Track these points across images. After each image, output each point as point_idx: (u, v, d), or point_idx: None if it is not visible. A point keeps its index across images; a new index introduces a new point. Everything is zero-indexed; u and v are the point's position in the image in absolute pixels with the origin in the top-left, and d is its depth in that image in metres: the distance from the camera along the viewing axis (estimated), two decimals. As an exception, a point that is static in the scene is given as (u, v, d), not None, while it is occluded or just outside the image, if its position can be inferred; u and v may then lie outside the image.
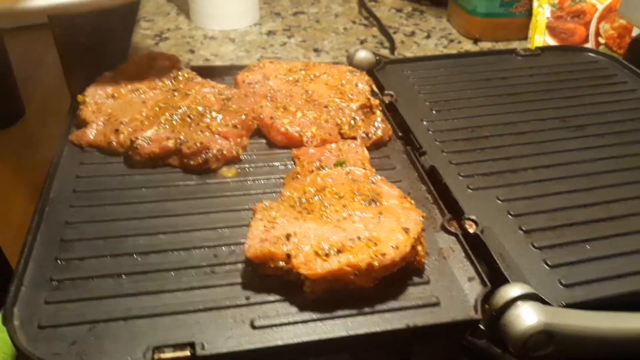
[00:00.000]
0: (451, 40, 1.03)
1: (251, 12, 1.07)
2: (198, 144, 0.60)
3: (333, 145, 0.64)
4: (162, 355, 0.41)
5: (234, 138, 0.63)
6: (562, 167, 0.62)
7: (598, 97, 0.74)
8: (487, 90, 0.75)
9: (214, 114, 0.64)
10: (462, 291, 0.48)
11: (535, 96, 0.74)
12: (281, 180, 0.60)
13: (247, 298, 0.46)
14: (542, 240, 0.52)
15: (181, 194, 0.57)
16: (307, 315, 0.45)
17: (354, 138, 0.65)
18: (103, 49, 0.90)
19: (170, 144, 0.60)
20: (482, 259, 0.51)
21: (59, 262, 0.49)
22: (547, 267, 0.50)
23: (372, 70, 0.78)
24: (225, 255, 0.50)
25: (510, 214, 0.55)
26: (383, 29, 1.05)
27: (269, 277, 0.48)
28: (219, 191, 0.58)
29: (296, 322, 0.45)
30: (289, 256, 0.46)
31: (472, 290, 0.48)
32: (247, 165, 0.62)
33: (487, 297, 0.46)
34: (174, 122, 0.63)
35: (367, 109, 0.68)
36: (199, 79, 0.71)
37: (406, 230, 0.48)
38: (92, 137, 0.63)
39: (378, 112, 0.68)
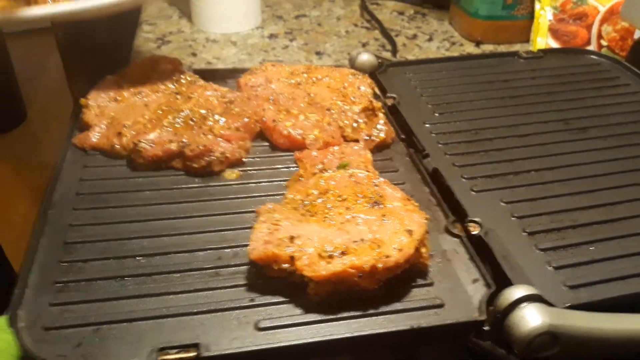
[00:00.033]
0: (453, 43, 1.04)
1: (253, 15, 1.08)
2: (201, 147, 0.60)
3: (336, 147, 0.64)
4: (167, 357, 0.42)
5: (236, 141, 0.63)
6: (565, 169, 0.62)
7: (601, 99, 0.74)
8: (489, 92, 0.75)
9: (216, 117, 0.64)
10: (466, 293, 0.48)
11: (537, 99, 0.74)
12: (284, 183, 0.60)
13: (251, 300, 0.47)
14: (546, 242, 0.52)
15: (184, 196, 0.58)
16: (311, 317, 0.45)
17: (357, 141, 0.65)
18: (105, 52, 0.90)
19: (173, 146, 0.60)
20: (486, 261, 0.51)
21: (63, 265, 0.49)
22: (551, 269, 0.50)
23: (375, 73, 0.78)
24: (229, 257, 0.50)
25: (514, 216, 0.55)
26: (385, 32, 1.05)
27: (273, 279, 0.48)
28: (222, 194, 0.58)
29: (300, 324, 0.45)
30: (292, 258, 0.46)
31: (476, 292, 0.48)
32: (250, 168, 0.62)
33: (491, 299, 0.46)
34: (177, 125, 0.63)
35: (369, 112, 0.68)
36: (202, 82, 0.71)
37: (410, 233, 0.48)
38: (95, 140, 0.63)
39: (380, 115, 0.68)
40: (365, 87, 0.71)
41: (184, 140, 0.60)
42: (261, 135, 0.66)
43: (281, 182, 0.60)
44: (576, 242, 0.52)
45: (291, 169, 0.62)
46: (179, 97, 0.68)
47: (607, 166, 0.62)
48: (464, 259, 0.51)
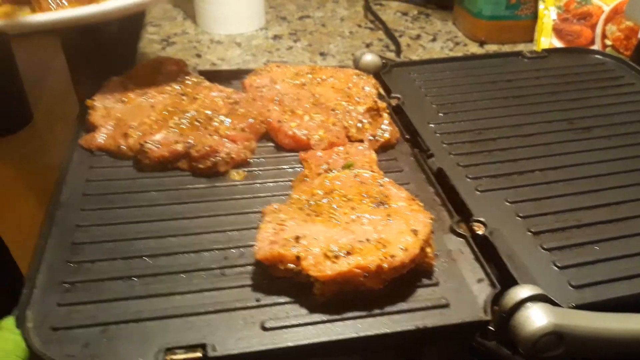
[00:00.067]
0: (457, 43, 1.04)
1: (257, 16, 1.08)
2: (207, 148, 0.60)
3: (341, 148, 0.64)
4: (174, 357, 0.42)
5: (242, 141, 0.63)
6: (569, 168, 0.62)
7: (605, 98, 0.74)
8: (493, 92, 0.75)
9: (222, 117, 0.65)
10: (471, 293, 0.48)
11: (542, 98, 0.74)
12: (289, 183, 0.60)
13: (257, 300, 0.47)
14: (551, 241, 0.52)
15: (190, 196, 0.58)
16: (317, 317, 0.46)
17: (362, 141, 0.65)
18: (110, 54, 0.91)
19: (179, 147, 0.61)
20: (491, 260, 0.51)
21: (71, 265, 0.49)
22: (556, 269, 0.50)
23: (379, 73, 0.78)
24: (235, 257, 0.51)
25: (519, 216, 0.55)
26: (389, 33, 1.06)
27: (279, 279, 0.48)
28: (227, 194, 0.58)
29: (306, 324, 0.45)
30: (298, 258, 0.47)
31: (482, 291, 0.48)
32: (255, 169, 0.62)
33: (496, 299, 0.47)
34: (183, 126, 0.63)
35: (374, 112, 0.68)
36: (207, 83, 0.72)
37: (415, 232, 0.49)
38: (101, 141, 0.63)
39: (385, 115, 0.68)
40: (369, 87, 0.71)
41: (190, 141, 0.61)
42: (266, 135, 0.67)
43: (286, 183, 0.60)
44: (581, 241, 0.52)
45: (296, 169, 0.62)
46: (184, 98, 0.68)
47: (612, 166, 0.62)
48: (469, 259, 0.51)
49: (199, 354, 0.42)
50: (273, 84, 0.72)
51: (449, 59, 0.86)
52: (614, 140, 0.67)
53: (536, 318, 0.43)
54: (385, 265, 0.46)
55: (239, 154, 0.62)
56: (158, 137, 0.61)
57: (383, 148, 0.66)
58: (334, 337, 0.44)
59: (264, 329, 0.45)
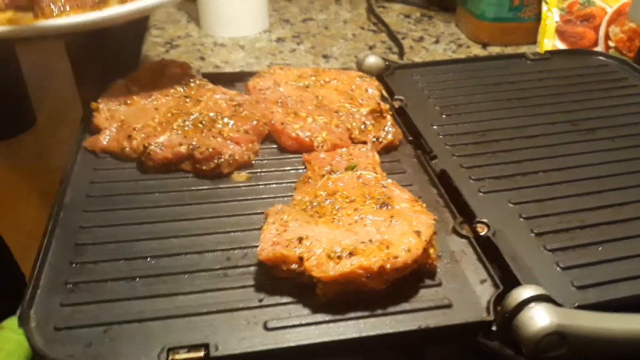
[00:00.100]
0: (460, 45, 1.04)
1: (261, 19, 1.08)
2: (210, 150, 0.60)
3: (344, 149, 0.64)
4: (177, 357, 0.42)
5: (245, 143, 0.63)
6: (572, 170, 0.62)
7: (608, 100, 0.74)
8: (496, 94, 0.75)
9: (225, 119, 0.65)
10: (474, 293, 0.48)
11: (545, 100, 0.74)
12: (292, 184, 0.60)
13: (260, 300, 0.47)
14: (554, 242, 0.52)
15: (194, 198, 0.58)
16: (319, 317, 0.46)
17: (365, 143, 0.65)
18: (114, 57, 0.91)
19: (183, 149, 0.61)
20: (494, 261, 0.51)
21: (74, 266, 0.50)
22: (559, 269, 0.50)
23: (382, 75, 0.78)
24: (237, 258, 0.51)
25: (522, 217, 0.55)
26: (392, 35, 1.06)
27: (282, 280, 0.48)
28: (231, 195, 0.58)
29: (309, 324, 0.45)
30: (301, 259, 0.47)
31: (484, 292, 0.48)
32: (258, 170, 0.62)
33: (499, 299, 0.46)
34: (186, 128, 0.63)
35: (377, 114, 0.68)
36: (211, 85, 0.72)
37: (418, 233, 0.48)
38: (105, 143, 0.64)
39: (388, 117, 0.68)
40: (372, 89, 0.72)
41: (194, 143, 0.61)
42: (270, 137, 0.67)
43: (289, 184, 0.60)
44: (584, 242, 0.52)
45: (299, 170, 0.62)
46: (188, 100, 0.68)
47: (615, 167, 0.62)
48: (472, 260, 0.51)
49: (201, 354, 0.42)
50: (276, 86, 0.72)
51: (451, 61, 0.87)
52: (618, 141, 0.66)
53: (539, 318, 0.43)
54: (388, 266, 0.46)
55: (242, 156, 0.62)
56: (162, 139, 0.62)
57: (386, 150, 0.66)
58: (336, 337, 0.44)
59: (267, 329, 0.45)
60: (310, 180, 0.59)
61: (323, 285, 0.46)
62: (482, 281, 0.49)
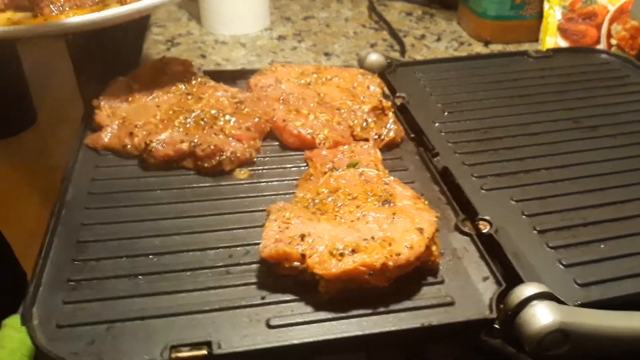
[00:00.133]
0: (461, 43, 1.04)
1: (262, 17, 1.08)
2: (212, 147, 0.60)
3: (345, 147, 0.64)
4: (179, 354, 0.42)
5: (247, 141, 0.63)
6: (575, 167, 0.62)
7: (611, 98, 0.74)
8: (499, 92, 0.75)
9: (227, 117, 0.65)
10: (476, 291, 0.48)
11: (547, 97, 0.74)
12: (294, 181, 0.60)
13: (263, 298, 0.47)
14: (557, 240, 0.52)
15: (195, 195, 0.58)
16: (322, 315, 0.46)
17: (367, 140, 0.65)
18: (115, 55, 0.91)
19: (185, 146, 0.61)
20: (496, 259, 0.51)
21: (76, 263, 0.50)
22: (561, 267, 0.50)
23: (384, 72, 0.78)
24: (240, 255, 0.51)
25: (524, 214, 0.55)
26: (393, 33, 1.06)
27: (284, 277, 0.48)
28: (232, 193, 0.58)
29: (311, 322, 0.45)
30: (303, 256, 0.47)
31: (487, 289, 0.48)
32: (260, 167, 0.62)
33: (501, 297, 0.46)
34: (188, 125, 0.63)
35: (379, 111, 0.68)
36: (212, 83, 0.72)
37: (420, 231, 0.48)
38: (107, 141, 0.64)
39: (390, 114, 0.68)
40: (374, 86, 0.71)
41: (195, 140, 0.61)
42: (271, 135, 0.67)
43: (291, 181, 0.60)
44: (587, 240, 0.52)
45: (301, 168, 0.62)
46: (189, 97, 0.68)
47: (617, 164, 0.62)
48: (474, 257, 0.51)
49: (204, 352, 0.42)
50: (278, 84, 0.72)
51: (453, 59, 0.86)
52: (620, 139, 0.66)
53: (542, 316, 0.43)
54: (390, 263, 0.46)
55: (244, 153, 0.62)
56: (163, 136, 0.62)
57: (388, 147, 0.66)
58: (339, 335, 0.44)
59: (269, 326, 0.45)
60: (312, 178, 0.59)
61: (325, 282, 0.46)
62: (485, 278, 0.49)
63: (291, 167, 0.62)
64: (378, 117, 0.67)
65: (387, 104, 0.69)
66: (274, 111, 0.67)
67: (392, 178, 0.56)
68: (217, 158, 0.60)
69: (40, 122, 2.17)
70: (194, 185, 0.59)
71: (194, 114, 0.65)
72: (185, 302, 0.46)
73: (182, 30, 1.08)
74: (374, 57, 0.79)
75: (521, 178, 0.60)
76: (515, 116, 0.70)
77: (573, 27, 0.95)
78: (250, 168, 0.62)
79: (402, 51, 1.00)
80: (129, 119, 0.65)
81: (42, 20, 0.61)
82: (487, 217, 0.54)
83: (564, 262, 0.50)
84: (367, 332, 0.44)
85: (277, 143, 0.66)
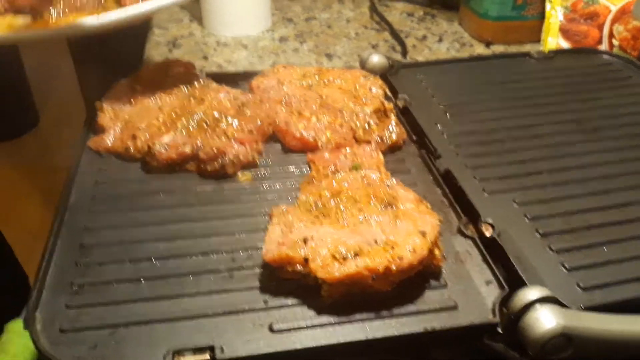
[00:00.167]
0: (463, 44, 1.03)
1: (263, 18, 1.08)
2: (215, 150, 0.60)
3: (348, 149, 0.64)
4: (182, 359, 0.42)
5: (249, 143, 0.63)
6: (577, 170, 0.62)
7: (613, 99, 0.74)
8: (501, 93, 0.75)
9: (229, 119, 0.65)
10: (479, 294, 0.48)
11: (549, 99, 0.74)
12: (297, 184, 0.60)
13: (265, 302, 0.47)
14: (560, 243, 0.52)
15: (198, 199, 0.58)
16: (325, 319, 0.46)
17: (369, 142, 0.65)
18: (117, 57, 0.91)
19: (187, 149, 0.61)
20: (499, 262, 0.51)
21: (79, 267, 0.50)
22: (564, 270, 0.50)
23: (386, 74, 0.78)
24: (242, 259, 0.51)
25: (527, 218, 0.55)
26: (395, 34, 1.06)
27: (287, 281, 0.48)
28: (235, 196, 0.58)
29: (314, 326, 0.45)
30: (306, 260, 0.47)
31: (490, 293, 0.48)
32: (263, 170, 0.62)
33: (504, 301, 0.46)
34: (191, 128, 0.63)
35: (381, 113, 0.68)
36: (214, 85, 0.72)
37: (423, 234, 0.48)
38: (109, 143, 0.64)
39: (392, 116, 0.68)
40: (376, 88, 0.71)
41: (198, 142, 0.61)
42: (274, 137, 0.67)
43: (294, 184, 0.60)
44: (590, 243, 0.52)
45: (304, 170, 0.62)
46: (192, 100, 0.68)
47: (620, 167, 0.62)
48: (477, 261, 0.51)
49: (207, 356, 0.42)
50: (280, 86, 0.72)
51: (455, 60, 0.86)
52: (623, 141, 0.66)
53: (545, 320, 0.43)
54: (393, 267, 0.46)
55: (246, 156, 0.62)
56: (166, 139, 0.62)
57: (390, 149, 0.65)
58: (342, 340, 0.44)
59: (272, 331, 0.45)
60: (314, 180, 0.59)
61: (328, 286, 0.46)
62: (488, 282, 0.49)
63: (293, 170, 0.62)
64: (380, 119, 0.67)
65: (389, 105, 0.69)
66: (276, 114, 0.67)
67: (394, 181, 0.56)
68: (220, 161, 0.60)
69: (43, 124, 2.18)
70: (197, 189, 0.59)
71: (196, 117, 0.64)
72: (188, 306, 0.46)
73: (184, 32, 1.08)
74: (376, 59, 0.79)
75: (524, 181, 0.60)
76: (518, 118, 0.70)
77: (575, 28, 0.95)
78: (252, 171, 0.62)
79: (404, 52, 0.99)
80: (132, 121, 0.65)
81: (42, 25, 0.61)
82: (489, 220, 0.54)
83: (567, 266, 0.50)
84: (370, 336, 0.44)
85: (279, 145, 0.66)
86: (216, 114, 0.65)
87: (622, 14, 0.91)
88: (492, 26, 1.01)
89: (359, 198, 0.53)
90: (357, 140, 0.65)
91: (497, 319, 0.46)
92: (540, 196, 0.58)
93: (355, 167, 0.60)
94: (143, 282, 0.48)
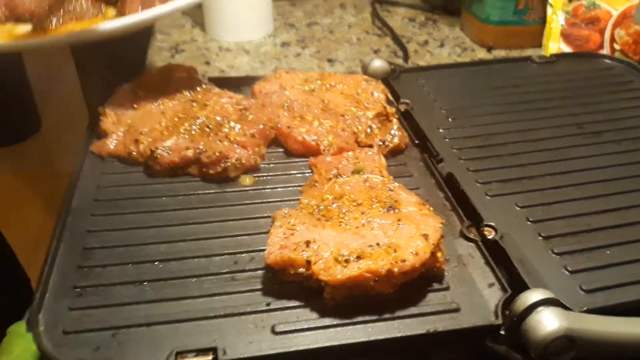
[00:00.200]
0: (465, 49, 1.04)
1: (265, 23, 1.08)
2: (217, 153, 0.60)
3: (350, 153, 0.64)
4: (185, 361, 0.42)
5: (252, 147, 0.63)
6: (579, 173, 0.62)
7: (614, 103, 0.74)
8: (503, 97, 0.75)
9: (232, 123, 0.65)
10: (482, 297, 0.48)
11: (551, 103, 0.74)
12: (299, 188, 0.60)
13: (268, 304, 0.47)
14: (562, 246, 0.52)
15: (201, 202, 0.58)
16: (327, 321, 0.46)
17: (371, 146, 0.65)
18: (120, 62, 0.91)
19: (190, 153, 0.61)
20: (501, 265, 0.51)
21: (82, 270, 0.50)
22: (567, 273, 0.50)
23: (387, 79, 0.78)
24: (245, 262, 0.51)
25: (529, 220, 0.55)
26: (396, 39, 1.06)
27: (289, 284, 0.48)
28: (238, 199, 0.59)
29: (316, 328, 0.45)
30: (308, 262, 0.47)
31: (492, 296, 0.48)
32: (265, 174, 0.62)
33: (507, 303, 0.46)
34: (193, 132, 0.64)
35: (383, 117, 0.68)
36: (217, 89, 0.72)
37: (425, 237, 0.48)
38: (112, 148, 0.64)
39: (394, 120, 0.68)
40: (378, 93, 0.72)
41: (200, 146, 0.61)
42: (276, 141, 0.67)
43: (296, 188, 0.60)
44: (592, 246, 0.52)
45: (306, 174, 0.62)
46: (194, 104, 0.68)
47: (622, 170, 0.62)
48: (479, 263, 0.51)
49: (209, 358, 0.42)
50: (282, 90, 0.72)
51: (457, 65, 0.87)
52: (624, 144, 0.66)
53: (548, 322, 0.43)
54: (395, 269, 0.46)
55: (249, 160, 0.62)
56: (169, 143, 0.62)
57: (392, 153, 0.66)
58: (344, 341, 0.44)
59: (275, 332, 0.45)
60: (316, 184, 0.59)
61: (331, 289, 0.46)
62: (490, 285, 0.49)
63: (296, 174, 0.63)
64: (382, 124, 0.68)
65: (391, 110, 0.69)
66: (278, 118, 0.67)
67: (396, 184, 0.56)
68: (222, 165, 0.60)
69: (45, 129, 2.18)
70: (199, 192, 0.59)
71: (199, 121, 0.65)
72: (191, 308, 0.46)
73: (186, 37, 1.08)
74: (378, 64, 0.79)
75: (526, 184, 0.60)
76: (520, 122, 0.70)
77: (576, 33, 0.95)
78: (255, 174, 0.62)
79: (406, 57, 1.00)
80: (134, 125, 0.65)
81: (42, 33, 0.61)
82: (492, 224, 0.54)
83: (569, 269, 0.50)
84: (372, 338, 0.44)
85: (281, 149, 0.66)
86: (218, 119, 0.65)
87: (623, 19, 0.92)
88: (494, 31, 1.01)
89: (361, 201, 0.54)
90: (359, 145, 0.66)
91: (500, 321, 0.46)
92: (542, 199, 0.58)
93: (358, 171, 0.60)
94: (145, 284, 0.48)
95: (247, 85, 0.75)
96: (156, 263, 0.50)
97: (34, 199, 1.78)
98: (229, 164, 0.61)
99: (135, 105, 0.69)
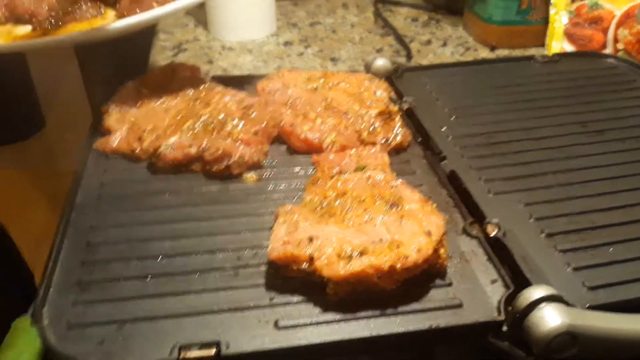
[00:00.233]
0: (467, 49, 1.04)
1: (268, 23, 1.09)
2: (220, 151, 0.61)
3: (353, 151, 0.64)
4: (188, 354, 0.42)
5: (255, 145, 0.63)
6: (582, 171, 0.62)
7: (618, 102, 0.74)
8: (506, 96, 0.75)
9: (235, 121, 0.65)
10: (484, 293, 0.48)
11: (554, 102, 0.74)
12: (302, 185, 0.60)
13: (271, 299, 0.47)
14: (565, 243, 0.52)
15: (204, 199, 0.58)
16: (330, 316, 0.46)
17: (374, 144, 0.65)
18: (123, 61, 0.92)
19: (193, 150, 0.61)
20: (504, 262, 0.51)
21: (86, 265, 0.50)
22: (570, 270, 0.50)
23: (390, 77, 0.78)
24: (248, 257, 0.51)
25: (532, 218, 0.55)
26: (399, 38, 1.06)
27: (292, 279, 0.48)
28: (241, 196, 0.59)
29: (319, 323, 0.45)
30: (311, 258, 0.47)
31: (495, 292, 0.48)
32: (268, 171, 0.62)
33: (510, 299, 0.46)
34: (196, 130, 0.64)
35: (386, 116, 0.68)
36: (220, 88, 0.72)
37: (428, 233, 0.49)
38: (116, 145, 0.64)
39: (397, 118, 0.68)
40: (381, 91, 0.72)
41: (204, 144, 0.61)
42: (279, 139, 0.67)
43: (299, 185, 0.60)
44: (595, 243, 0.52)
45: (309, 172, 0.62)
46: (198, 102, 0.68)
47: (625, 168, 0.62)
48: (482, 260, 0.51)
49: (212, 352, 0.42)
50: (285, 89, 0.72)
51: (460, 64, 0.87)
52: (628, 142, 0.66)
53: (550, 318, 0.43)
54: (398, 265, 0.46)
55: (251, 157, 0.62)
56: (172, 140, 0.62)
57: (395, 151, 0.66)
58: (347, 337, 0.44)
59: (277, 327, 0.45)
60: (319, 181, 0.59)
61: (333, 284, 0.46)
62: (493, 281, 0.49)
63: (299, 171, 0.63)
64: (385, 122, 0.68)
65: (394, 108, 0.69)
66: (281, 116, 0.67)
67: (399, 181, 0.56)
68: (225, 162, 0.61)
69: (48, 128, 2.19)
70: (203, 189, 0.60)
71: (202, 119, 0.65)
72: (194, 303, 0.47)
73: (189, 37, 1.08)
74: (381, 62, 0.79)
75: (529, 182, 0.60)
76: (522, 120, 0.70)
77: (579, 32, 0.95)
78: (258, 172, 0.62)
79: (408, 56, 1.00)
80: (138, 123, 0.66)
81: (41, 34, 0.62)
82: (495, 221, 0.54)
83: (572, 265, 0.50)
84: (375, 333, 0.45)
85: (284, 147, 0.66)
86: (222, 117, 0.66)
87: (626, 18, 0.92)
88: (497, 31, 1.01)
89: (364, 198, 0.54)
90: (362, 142, 0.66)
91: (502, 317, 0.46)
92: (546, 197, 0.58)
93: (361, 168, 0.60)
94: (150, 279, 0.49)
95: (250, 84, 0.76)
96: (160, 259, 0.51)
97: (38, 197, 1.78)
98: (231, 161, 0.61)
99: (139, 103, 0.69)
